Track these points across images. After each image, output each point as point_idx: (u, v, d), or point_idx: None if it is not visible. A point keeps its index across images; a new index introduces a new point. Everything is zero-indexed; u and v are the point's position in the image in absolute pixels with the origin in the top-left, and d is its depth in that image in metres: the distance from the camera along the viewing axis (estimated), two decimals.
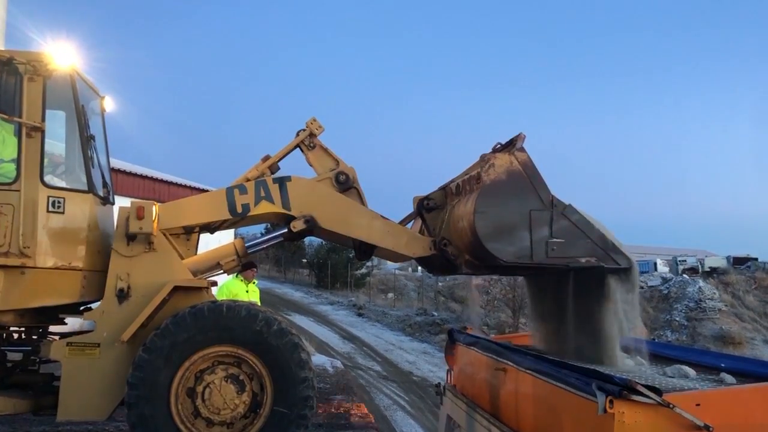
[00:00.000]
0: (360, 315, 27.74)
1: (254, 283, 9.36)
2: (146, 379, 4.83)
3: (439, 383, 5.89)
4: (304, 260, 49.89)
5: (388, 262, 75.33)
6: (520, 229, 4.54)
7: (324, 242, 48.34)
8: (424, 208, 5.69)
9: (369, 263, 50.33)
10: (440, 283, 43.67)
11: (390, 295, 40.54)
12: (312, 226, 5.48)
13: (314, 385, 5.14)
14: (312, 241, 52.11)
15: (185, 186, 21.74)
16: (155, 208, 5.23)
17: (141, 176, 18.36)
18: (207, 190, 17.61)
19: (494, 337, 6.31)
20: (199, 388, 4.98)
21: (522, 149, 4.70)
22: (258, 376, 5.07)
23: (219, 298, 8.43)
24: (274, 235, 5.90)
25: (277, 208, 5.51)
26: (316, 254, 46.48)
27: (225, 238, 6.99)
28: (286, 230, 5.62)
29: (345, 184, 5.74)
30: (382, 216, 5.62)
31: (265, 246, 6.14)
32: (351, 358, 15.70)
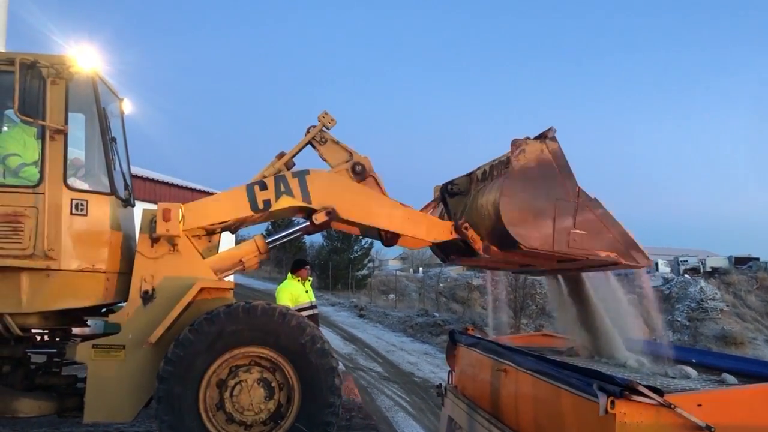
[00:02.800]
0: (361, 316, 27.70)
1: (309, 281, 9.23)
2: (185, 358, 4.87)
3: (441, 384, 5.88)
4: None
5: (390, 263, 75.23)
6: (545, 217, 4.54)
7: (325, 243, 48.48)
8: (448, 192, 5.70)
9: (370, 264, 50.36)
10: (441, 284, 43.64)
11: (391, 296, 40.54)
12: (333, 218, 5.51)
13: (339, 412, 5.16)
14: (313, 242, 52.05)
15: (187, 188, 21.79)
16: (181, 210, 5.26)
17: (142, 178, 18.38)
18: (211, 193, 17.60)
19: (496, 338, 6.30)
20: (231, 382, 5.02)
21: (554, 139, 4.70)
22: (289, 387, 5.09)
23: (281, 301, 8.51)
24: (294, 229, 5.93)
25: (298, 201, 5.54)
26: (318, 255, 46.45)
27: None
28: (308, 223, 5.64)
29: (361, 174, 5.77)
30: (401, 203, 5.65)
31: (285, 240, 6.16)
32: (352, 359, 15.69)
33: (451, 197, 5.71)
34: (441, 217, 5.84)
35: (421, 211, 5.85)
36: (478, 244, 5.25)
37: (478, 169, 5.56)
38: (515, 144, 4.71)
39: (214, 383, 4.99)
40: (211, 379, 4.97)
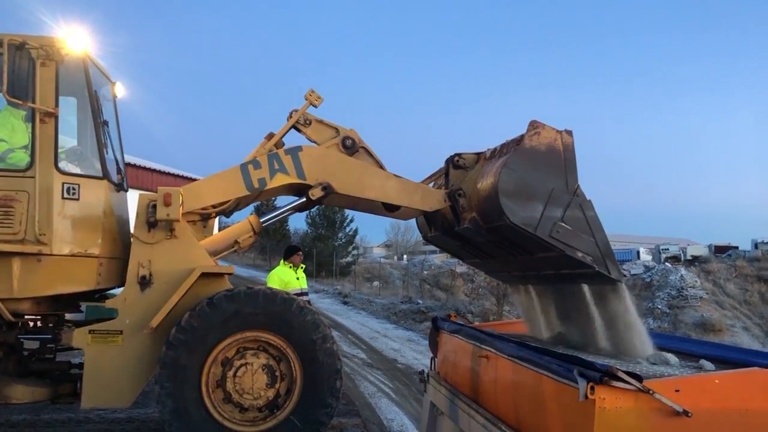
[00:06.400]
0: (345, 303, 27.76)
1: (302, 268, 9.16)
2: (198, 330, 4.89)
3: (423, 370, 5.91)
4: None
5: (374, 251, 75.33)
6: (537, 200, 4.59)
7: (310, 230, 48.36)
8: (453, 163, 5.70)
9: (354, 251, 50.36)
10: (425, 272, 43.79)
11: (375, 283, 40.63)
12: (329, 193, 5.51)
13: (333, 414, 5.20)
14: (297, 229, 51.97)
15: (178, 176, 21.65)
16: (181, 195, 5.22)
17: (134, 166, 18.20)
18: (195, 179, 17.53)
19: (478, 325, 6.33)
20: (237, 363, 5.03)
21: (570, 133, 4.77)
22: (291, 380, 5.10)
23: (270, 286, 8.37)
24: (289, 206, 5.91)
25: (293, 178, 5.53)
26: (302, 243, 46.37)
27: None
28: (304, 199, 5.62)
29: (352, 147, 5.79)
30: (395, 175, 5.68)
31: (280, 217, 6.15)
32: None
33: (455, 169, 5.72)
34: (439, 187, 5.85)
35: (427, 179, 5.88)
36: (465, 215, 5.26)
37: (488, 149, 5.59)
38: (532, 125, 4.76)
39: (220, 360, 5.00)
40: (218, 355, 4.98)
